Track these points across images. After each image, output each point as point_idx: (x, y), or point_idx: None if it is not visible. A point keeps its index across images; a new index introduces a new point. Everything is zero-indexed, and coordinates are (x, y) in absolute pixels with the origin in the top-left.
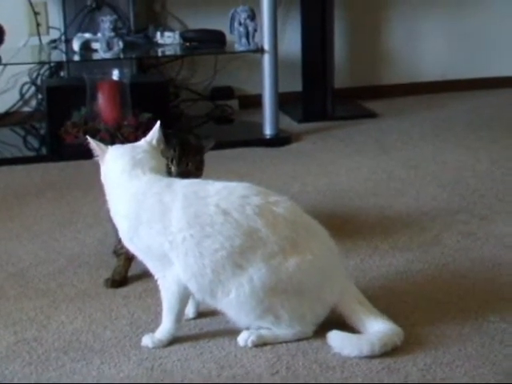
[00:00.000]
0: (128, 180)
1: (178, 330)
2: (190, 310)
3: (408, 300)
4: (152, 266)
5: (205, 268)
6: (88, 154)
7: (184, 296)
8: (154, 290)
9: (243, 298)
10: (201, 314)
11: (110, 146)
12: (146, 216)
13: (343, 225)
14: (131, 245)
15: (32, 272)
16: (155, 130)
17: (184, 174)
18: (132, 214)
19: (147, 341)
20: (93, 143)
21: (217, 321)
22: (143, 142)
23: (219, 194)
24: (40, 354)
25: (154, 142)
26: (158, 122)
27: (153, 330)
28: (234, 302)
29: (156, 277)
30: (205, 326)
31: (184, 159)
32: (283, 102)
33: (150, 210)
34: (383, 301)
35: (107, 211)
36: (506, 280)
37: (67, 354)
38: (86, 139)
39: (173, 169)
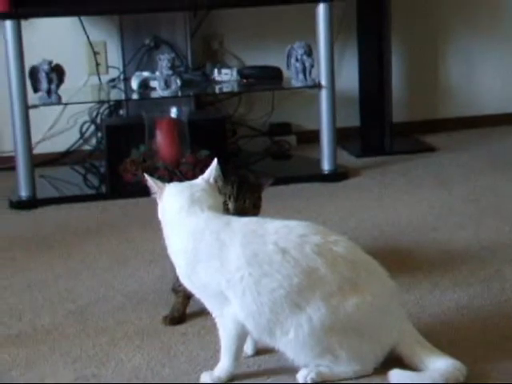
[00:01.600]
0: (186, 217)
1: (236, 367)
2: (248, 347)
3: (470, 336)
4: (209, 304)
5: (263, 307)
6: (146, 192)
7: (242, 334)
8: (213, 328)
9: (302, 337)
10: (259, 352)
11: (167, 184)
12: (204, 254)
13: (403, 260)
14: (189, 282)
15: (91, 309)
16: (212, 168)
17: (241, 211)
18: (190, 251)
19: (206, 378)
20: (150, 180)
21: (275, 358)
22: (201, 179)
23: (278, 233)
24: None
25: (212, 179)
26: (216, 160)
27: (211, 368)
28: (293, 342)
29: (214, 315)
30: (263, 363)
31: (241, 196)
32: (341, 137)
33: (208, 247)
34: (445, 337)
35: (165, 248)
36: None
37: None
38: (144, 177)
39: (230, 205)
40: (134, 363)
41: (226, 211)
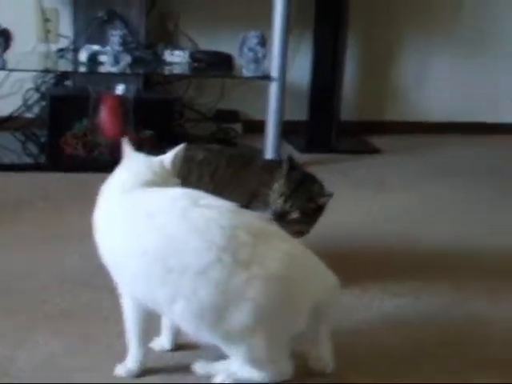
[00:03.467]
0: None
1: (145, 355)
2: (167, 341)
3: (391, 350)
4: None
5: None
6: (85, 167)
7: (138, 313)
8: None
9: (188, 310)
10: (180, 347)
11: (132, 153)
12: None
13: (333, 264)
14: None
15: (15, 286)
16: (174, 151)
17: (285, 214)
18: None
19: (120, 370)
20: (125, 145)
21: (196, 354)
22: (159, 159)
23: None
24: (12, 373)
25: (168, 162)
26: (183, 145)
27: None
28: (182, 313)
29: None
30: (183, 358)
31: (291, 200)
32: (287, 130)
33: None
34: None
35: None
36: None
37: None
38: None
39: (278, 204)
40: (50, 348)
41: (274, 208)
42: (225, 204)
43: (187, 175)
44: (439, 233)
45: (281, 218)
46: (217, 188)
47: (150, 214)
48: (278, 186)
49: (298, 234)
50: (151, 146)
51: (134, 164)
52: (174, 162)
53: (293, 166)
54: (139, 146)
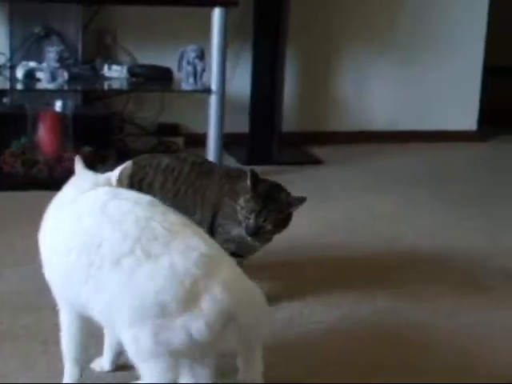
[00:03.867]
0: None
1: (77, 374)
2: (107, 362)
3: (337, 359)
4: None
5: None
6: (24, 186)
7: (74, 325)
8: None
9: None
10: (120, 367)
11: (82, 171)
12: None
13: (272, 276)
14: None
15: None
16: (120, 168)
17: (258, 229)
18: None
19: None
20: (77, 163)
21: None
22: (105, 176)
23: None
24: None
25: (114, 179)
26: (129, 162)
27: None
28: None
29: None
30: (124, 379)
31: (263, 215)
32: (229, 142)
33: None
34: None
35: (38, 247)
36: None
37: None
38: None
39: (251, 221)
40: None
41: (246, 224)
42: (143, 196)
43: (152, 181)
44: (381, 240)
45: (256, 233)
46: (178, 194)
47: (77, 214)
48: (246, 202)
49: (267, 241)
50: (91, 162)
51: (80, 181)
52: (120, 178)
53: (256, 179)
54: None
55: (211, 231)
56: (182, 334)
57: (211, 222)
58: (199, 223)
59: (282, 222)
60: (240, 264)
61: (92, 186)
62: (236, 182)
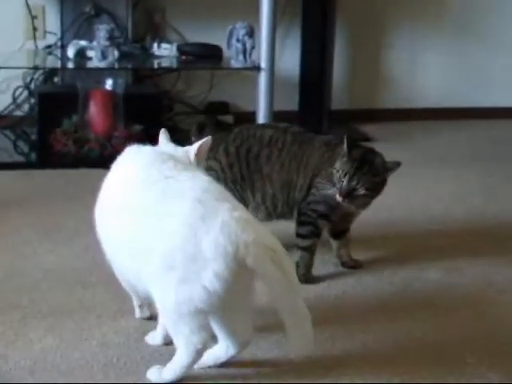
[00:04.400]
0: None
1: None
2: (159, 335)
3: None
4: None
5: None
6: (75, 163)
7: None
8: (127, 312)
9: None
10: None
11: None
12: None
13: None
14: None
15: (5, 284)
16: (200, 143)
17: (351, 192)
18: None
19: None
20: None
21: None
22: (184, 149)
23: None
24: (4, 372)
25: (192, 153)
26: (209, 138)
27: (124, 353)
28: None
29: None
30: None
31: (356, 177)
32: (278, 120)
33: None
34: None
35: (89, 223)
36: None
37: (32, 375)
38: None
39: (343, 184)
40: (43, 344)
41: (340, 187)
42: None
43: (258, 154)
44: (434, 218)
45: (347, 195)
46: (284, 164)
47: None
48: (341, 165)
49: (364, 205)
50: (141, 140)
51: (159, 153)
52: (198, 152)
53: (352, 143)
54: (129, 141)
55: (307, 193)
56: (198, 287)
57: (309, 184)
58: (300, 189)
59: (376, 187)
60: (313, 247)
61: (170, 157)
62: (335, 149)
